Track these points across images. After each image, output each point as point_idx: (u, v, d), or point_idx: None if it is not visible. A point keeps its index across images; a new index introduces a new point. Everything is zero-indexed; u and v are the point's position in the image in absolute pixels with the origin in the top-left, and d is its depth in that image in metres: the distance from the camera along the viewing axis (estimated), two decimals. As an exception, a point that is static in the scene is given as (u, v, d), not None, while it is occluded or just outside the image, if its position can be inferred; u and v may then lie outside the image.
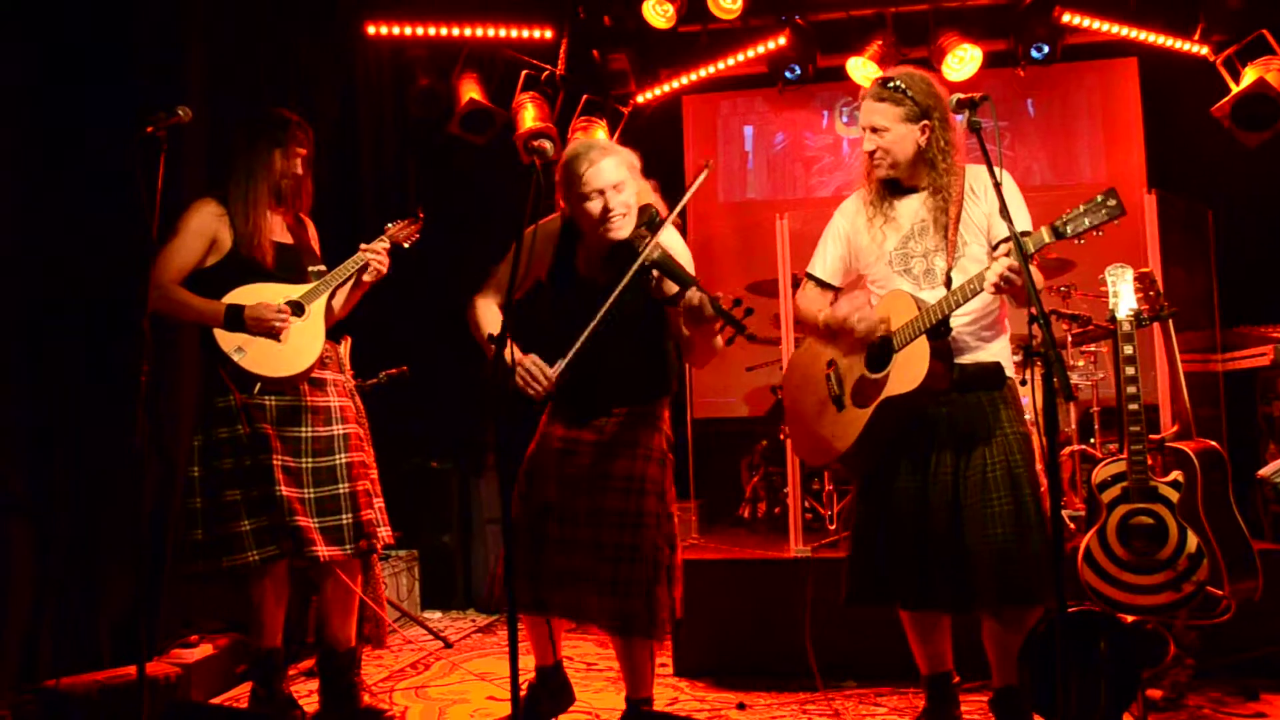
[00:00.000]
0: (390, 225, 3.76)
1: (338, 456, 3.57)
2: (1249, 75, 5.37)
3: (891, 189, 3.16)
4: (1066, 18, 5.62)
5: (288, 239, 3.62)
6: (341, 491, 3.55)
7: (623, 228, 3.02)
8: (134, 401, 2.96)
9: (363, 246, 3.64)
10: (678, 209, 3.01)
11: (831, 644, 3.91)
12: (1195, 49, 5.66)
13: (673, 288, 2.94)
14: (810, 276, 3.32)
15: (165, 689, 3.68)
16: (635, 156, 3.13)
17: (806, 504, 5.21)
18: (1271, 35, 5.37)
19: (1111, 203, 2.74)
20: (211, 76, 4.54)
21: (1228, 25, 5.51)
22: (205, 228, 3.48)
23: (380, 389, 4.89)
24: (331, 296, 3.63)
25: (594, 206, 3.02)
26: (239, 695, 4.03)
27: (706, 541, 5.07)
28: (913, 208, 3.13)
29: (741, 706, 3.79)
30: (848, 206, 3.29)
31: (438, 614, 5.58)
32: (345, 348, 4.47)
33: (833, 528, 5.02)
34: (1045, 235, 2.82)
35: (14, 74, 3.81)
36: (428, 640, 4.96)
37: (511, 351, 2.88)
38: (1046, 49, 5.72)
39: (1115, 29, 5.68)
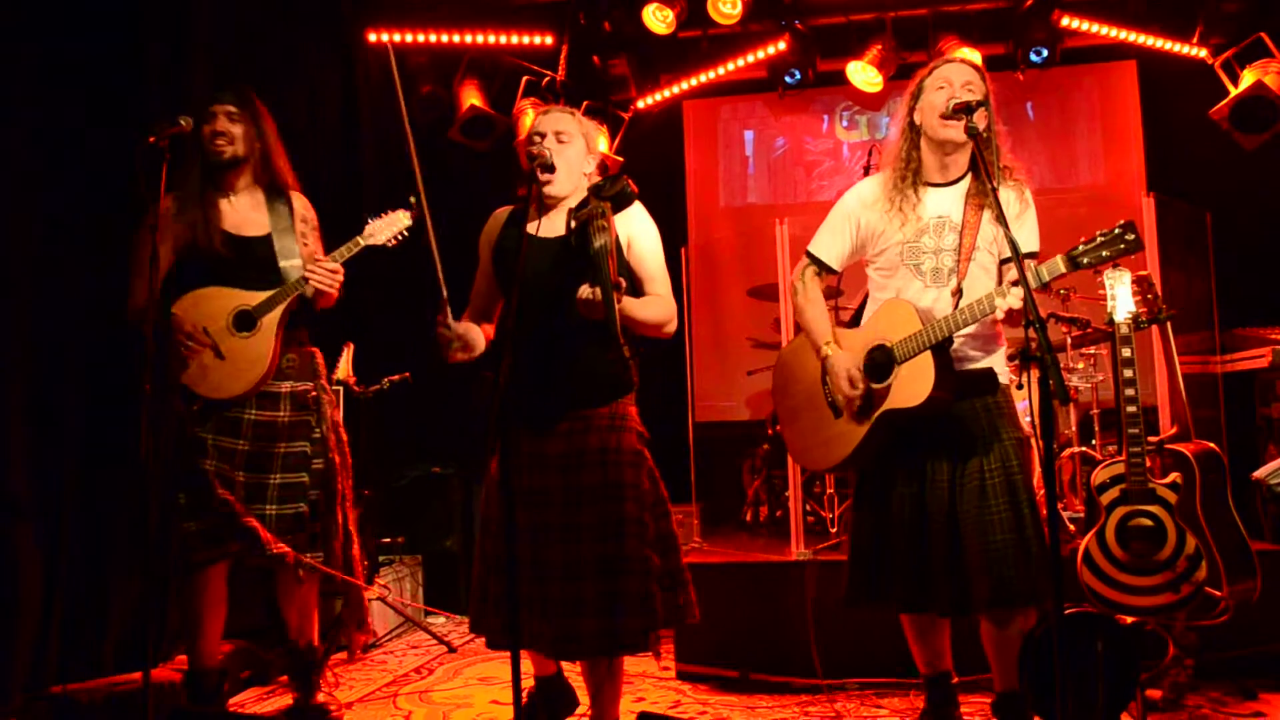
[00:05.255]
0: (371, 219, 3.55)
1: (275, 475, 3.44)
2: (1247, 78, 5.40)
3: (920, 180, 3.10)
4: (1065, 21, 5.66)
5: (251, 230, 3.43)
6: (290, 509, 3.45)
7: (550, 177, 2.96)
8: (138, 406, 2.94)
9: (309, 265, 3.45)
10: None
11: (833, 645, 3.93)
12: (1194, 52, 5.70)
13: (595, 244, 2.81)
14: (812, 256, 3.25)
15: (170, 695, 3.71)
16: (596, 127, 3.06)
17: (808, 507, 5.22)
18: (1269, 38, 5.41)
19: (1130, 236, 2.72)
20: (214, 83, 4.56)
21: (1226, 28, 5.55)
22: (164, 226, 3.25)
23: (383, 395, 4.92)
24: (290, 307, 3.41)
25: (532, 150, 2.97)
26: (244, 700, 4.05)
27: (708, 545, 5.09)
28: (936, 202, 3.09)
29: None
30: (866, 188, 3.20)
31: (441, 618, 5.60)
32: (348, 354, 4.45)
33: (834, 530, 5.04)
34: (1061, 265, 2.78)
35: (15, 75, 3.83)
36: (431, 645, 4.98)
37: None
38: (1045, 52, 5.76)
39: (1114, 32, 5.72)
